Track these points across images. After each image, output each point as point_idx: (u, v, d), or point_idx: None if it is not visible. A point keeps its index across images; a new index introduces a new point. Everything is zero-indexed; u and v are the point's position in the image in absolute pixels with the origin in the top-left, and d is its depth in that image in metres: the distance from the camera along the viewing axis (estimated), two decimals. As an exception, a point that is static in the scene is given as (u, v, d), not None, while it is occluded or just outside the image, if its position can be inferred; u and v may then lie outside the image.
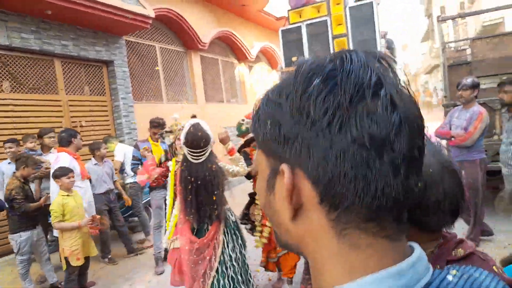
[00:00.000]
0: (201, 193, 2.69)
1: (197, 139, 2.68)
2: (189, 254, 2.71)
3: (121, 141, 6.97)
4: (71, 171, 3.75)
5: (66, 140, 4.22)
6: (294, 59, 7.36)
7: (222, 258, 2.77)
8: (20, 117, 5.46)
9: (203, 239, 2.74)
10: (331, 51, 7.11)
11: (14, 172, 4.02)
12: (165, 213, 3.66)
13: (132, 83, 7.63)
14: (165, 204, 3.68)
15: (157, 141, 4.72)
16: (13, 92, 5.48)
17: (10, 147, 4.37)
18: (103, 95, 6.94)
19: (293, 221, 0.44)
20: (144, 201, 5.64)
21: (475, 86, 3.96)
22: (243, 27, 11.93)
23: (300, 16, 7.29)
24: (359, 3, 7.06)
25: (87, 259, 3.83)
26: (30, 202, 3.94)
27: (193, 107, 9.31)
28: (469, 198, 3.90)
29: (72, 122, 6.24)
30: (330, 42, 7.02)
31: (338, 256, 0.42)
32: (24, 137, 4.53)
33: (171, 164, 3.36)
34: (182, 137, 2.74)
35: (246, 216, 3.40)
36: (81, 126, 6.35)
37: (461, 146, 3.96)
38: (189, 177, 2.68)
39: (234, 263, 2.82)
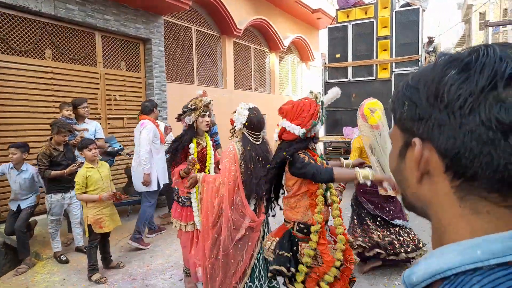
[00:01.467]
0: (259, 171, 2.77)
1: (261, 122, 2.79)
2: (237, 232, 2.71)
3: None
4: (91, 143, 3.74)
5: (149, 108, 4.68)
6: (338, 55, 7.47)
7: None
8: (59, 85, 5.64)
9: (260, 218, 2.80)
10: (374, 51, 7.28)
11: (50, 138, 4.19)
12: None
13: (167, 62, 7.74)
14: None
15: None
16: (54, 61, 5.66)
17: (13, 153, 4.06)
18: (138, 71, 7.08)
19: (419, 184, 0.53)
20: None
21: None
22: (278, 16, 11.87)
23: (347, 16, 7.58)
24: (405, 8, 7.25)
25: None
26: (62, 168, 4.09)
27: (223, 91, 9.39)
28: None
29: (107, 95, 6.41)
30: (374, 43, 7.31)
31: (460, 218, 0.49)
32: (61, 105, 4.70)
33: (192, 146, 3.26)
34: (243, 120, 2.74)
35: (288, 263, 2.26)
36: (115, 99, 6.52)
37: None
38: (257, 157, 2.75)
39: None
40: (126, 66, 6.85)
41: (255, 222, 2.75)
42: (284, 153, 2.29)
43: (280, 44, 11.52)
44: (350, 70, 7.56)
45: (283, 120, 2.33)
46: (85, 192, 3.65)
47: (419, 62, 6.92)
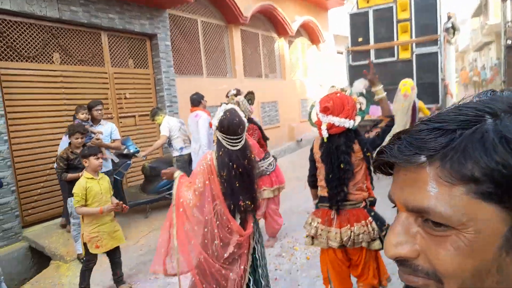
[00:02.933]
0: (245, 180, 2.59)
1: (234, 125, 2.56)
2: (224, 250, 2.52)
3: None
4: (99, 151, 3.53)
5: (197, 101, 5.28)
6: (360, 39, 8.06)
7: (253, 255, 2.69)
8: (69, 87, 5.69)
9: (248, 232, 2.58)
10: (395, 33, 7.67)
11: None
12: None
13: (174, 57, 7.71)
14: None
15: None
16: (63, 64, 5.69)
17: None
18: (146, 68, 7.07)
19: None
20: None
21: None
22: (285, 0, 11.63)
23: (367, 1, 8.00)
24: None
25: (116, 248, 3.56)
26: (79, 171, 4.12)
27: (233, 81, 9.32)
28: None
29: (117, 94, 6.43)
30: (394, 26, 7.69)
31: None
32: (77, 108, 4.72)
33: None
34: (215, 122, 2.61)
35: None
36: (125, 98, 6.54)
37: None
38: (230, 163, 2.53)
39: (262, 261, 2.74)
40: (134, 64, 6.85)
41: (243, 237, 2.56)
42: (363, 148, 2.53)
43: (289, 29, 11.30)
44: (372, 52, 7.96)
45: (329, 116, 2.45)
46: (85, 206, 3.33)
47: (439, 41, 7.38)
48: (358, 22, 8.12)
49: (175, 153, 5.51)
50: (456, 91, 16.20)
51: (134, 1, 6.41)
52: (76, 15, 5.65)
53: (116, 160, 5.32)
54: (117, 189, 5.34)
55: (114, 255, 3.57)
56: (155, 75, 7.16)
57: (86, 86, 5.92)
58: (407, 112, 5.85)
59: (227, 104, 3.08)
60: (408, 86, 5.99)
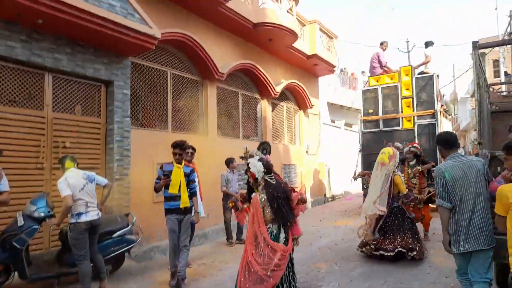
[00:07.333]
0: (286, 203, 3.44)
1: (270, 163, 3.64)
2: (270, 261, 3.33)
3: (109, 167, 6.29)
4: None
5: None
6: (371, 111, 10.36)
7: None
8: (-6, 130, 4.92)
9: (289, 247, 3.42)
10: (399, 107, 9.89)
11: None
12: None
13: (134, 107, 7.07)
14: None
15: (180, 163, 5.14)
16: (-12, 103, 4.99)
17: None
18: (98, 116, 6.36)
19: None
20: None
21: None
22: (270, 62, 11.36)
23: (377, 81, 10.50)
24: (422, 75, 10.00)
25: None
26: None
27: (203, 139, 8.59)
28: None
29: (54, 142, 5.64)
30: (399, 101, 9.94)
31: None
32: None
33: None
34: (261, 169, 3.46)
35: None
36: (64, 147, 5.73)
37: None
38: (277, 194, 3.39)
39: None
40: (83, 111, 6.15)
41: (286, 252, 3.34)
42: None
43: (272, 90, 10.86)
44: (381, 122, 10.10)
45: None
46: None
47: (436, 115, 9.38)
48: (369, 96, 10.29)
49: (70, 219, 4.36)
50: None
51: (87, 43, 5.89)
52: (13, 51, 5.06)
53: (21, 223, 4.30)
54: (15, 258, 4.29)
55: None
56: (107, 125, 6.43)
57: (13, 130, 5.15)
58: (382, 181, 5.43)
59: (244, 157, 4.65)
60: (385, 155, 5.44)
